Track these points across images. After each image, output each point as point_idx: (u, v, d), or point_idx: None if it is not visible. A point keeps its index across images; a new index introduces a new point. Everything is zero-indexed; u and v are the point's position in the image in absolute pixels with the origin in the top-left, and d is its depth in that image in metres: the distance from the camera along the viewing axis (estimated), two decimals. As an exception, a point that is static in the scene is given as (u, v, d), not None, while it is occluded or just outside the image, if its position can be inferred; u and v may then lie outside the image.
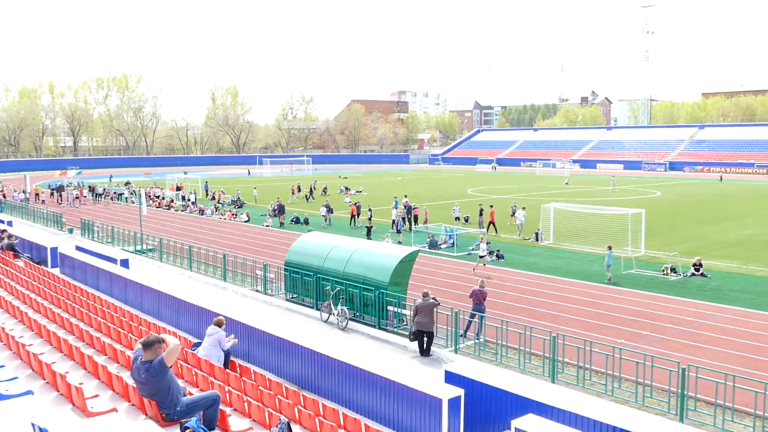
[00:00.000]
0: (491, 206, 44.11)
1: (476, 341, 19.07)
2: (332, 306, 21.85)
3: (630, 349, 16.97)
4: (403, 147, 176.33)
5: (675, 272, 28.72)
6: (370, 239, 34.83)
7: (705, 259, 30.45)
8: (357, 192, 70.91)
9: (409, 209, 44.60)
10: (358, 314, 21.71)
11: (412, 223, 43.07)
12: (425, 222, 43.16)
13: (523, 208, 42.57)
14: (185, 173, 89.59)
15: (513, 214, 43.13)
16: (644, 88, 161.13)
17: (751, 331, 20.54)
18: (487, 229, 39.84)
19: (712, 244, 36.51)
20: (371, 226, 38.80)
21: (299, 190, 65.98)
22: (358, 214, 46.35)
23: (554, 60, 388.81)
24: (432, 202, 58.56)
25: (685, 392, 14.06)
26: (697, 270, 28.44)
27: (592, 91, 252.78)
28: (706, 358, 17.83)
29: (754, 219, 47.86)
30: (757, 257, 32.70)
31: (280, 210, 47.42)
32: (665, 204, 59.01)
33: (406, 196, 51.69)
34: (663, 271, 28.92)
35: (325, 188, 70.61)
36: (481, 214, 42.78)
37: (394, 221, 42.61)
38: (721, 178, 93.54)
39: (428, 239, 36.40)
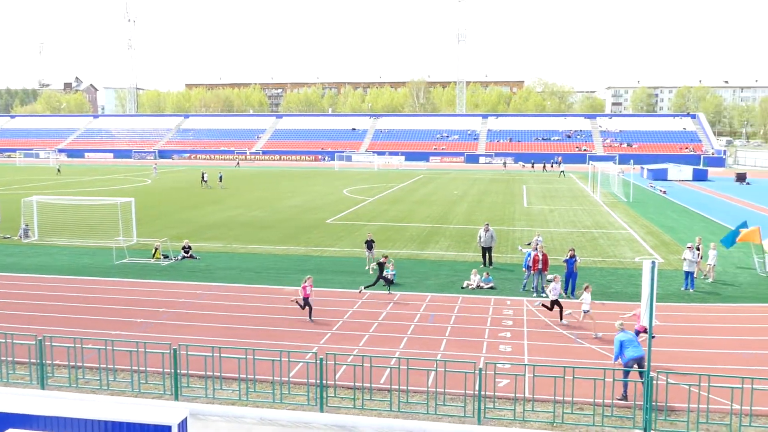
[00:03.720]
0: None
1: (-54, 360, 16.50)
2: None
3: (124, 340, 16.87)
4: None
5: (167, 258, 29.58)
6: None
7: (193, 242, 32.15)
8: None
9: None
10: None
11: None
12: None
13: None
14: None
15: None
16: (130, 76, 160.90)
17: (236, 304, 22.41)
18: None
19: (199, 228, 38.73)
20: None
21: None
22: None
23: (32, 42, 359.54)
24: None
25: (179, 371, 14.59)
26: (187, 252, 29.82)
27: (76, 77, 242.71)
28: (198, 335, 18.83)
29: (236, 201, 52.45)
30: (239, 236, 35.92)
31: None
32: (156, 191, 60.35)
33: None
34: (153, 254, 29.49)
35: None
36: None
37: None
38: (238, 164, 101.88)
39: None
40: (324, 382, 14.10)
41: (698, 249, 25.01)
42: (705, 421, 13.33)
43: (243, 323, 20.30)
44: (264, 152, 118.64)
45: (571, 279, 23.72)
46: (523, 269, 24.43)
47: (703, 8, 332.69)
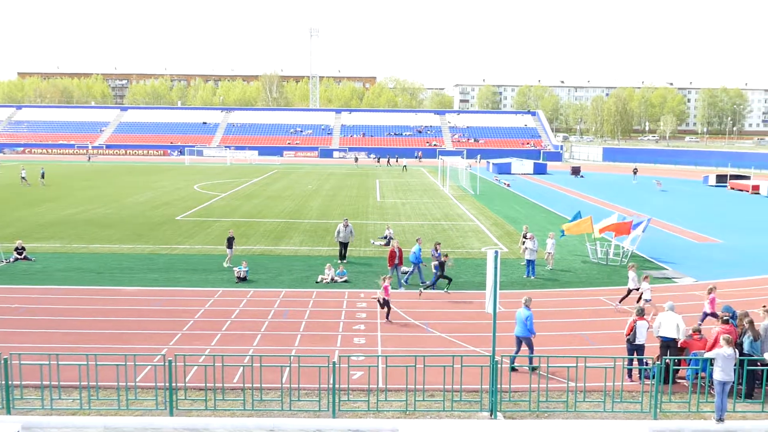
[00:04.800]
0: None
1: None
2: None
3: (-54, 351, 15.36)
4: None
5: (-3, 259, 27.31)
6: None
7: (28, 243, 29.90)
8: None
9: None
10: None
11: None
12: None
13: None
14: None
15: None
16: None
17: (76, 307, 21.07)
18: None
19: (33, 227, 36.03)
20: None
21: None
22: None
23: None
24: None
25: (10, 382, 13.47)
26: (20, 254, 27.67)
27: None
28: (34, 343, 17.51)
29: (74, 198, 49.32)
30: (80, 235, 33.80)
31: None
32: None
33: None
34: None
35: None
36: None
37: None
38: (90, 159, 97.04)
39: None
40: (174, 384, 13.57)
41: (525, 236, 26.43)
42: (545, 399, 14.18)
43: (84, 327, 19.12)
44: (108, 146, 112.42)
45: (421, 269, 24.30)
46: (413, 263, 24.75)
47: (540, 12, 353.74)
